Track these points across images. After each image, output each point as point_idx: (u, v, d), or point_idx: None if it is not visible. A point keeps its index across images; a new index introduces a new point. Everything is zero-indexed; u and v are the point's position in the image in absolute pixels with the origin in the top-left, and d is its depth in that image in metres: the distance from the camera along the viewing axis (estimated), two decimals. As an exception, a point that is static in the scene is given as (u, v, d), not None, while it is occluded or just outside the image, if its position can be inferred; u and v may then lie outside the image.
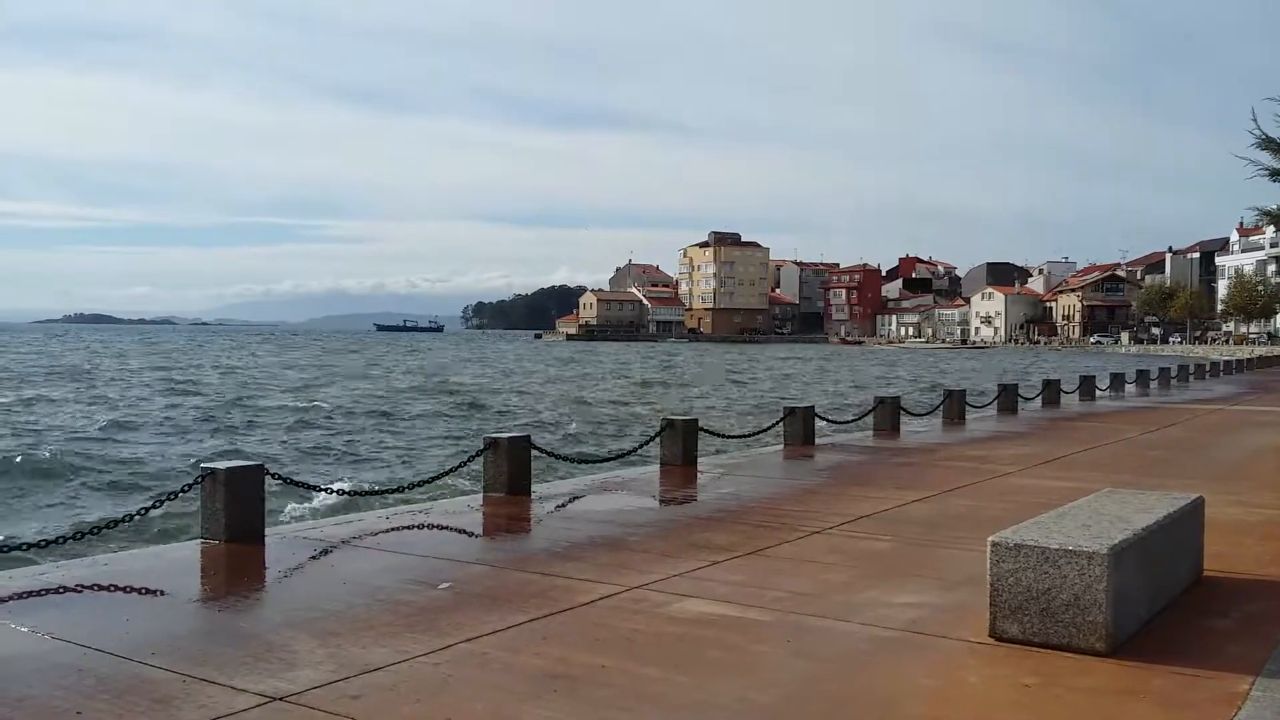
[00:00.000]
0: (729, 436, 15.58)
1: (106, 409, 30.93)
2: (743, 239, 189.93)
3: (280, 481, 8.06)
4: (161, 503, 7.61)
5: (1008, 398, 20.42)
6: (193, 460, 18.82)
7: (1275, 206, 12.99)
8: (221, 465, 7.36)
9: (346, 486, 14.08)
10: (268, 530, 7.45)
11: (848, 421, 17.32)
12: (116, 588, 6.04)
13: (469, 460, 9.51)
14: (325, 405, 33.08)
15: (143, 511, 7.33)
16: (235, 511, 7.11)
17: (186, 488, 7.34)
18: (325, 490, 8.89)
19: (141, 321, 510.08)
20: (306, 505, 12.94)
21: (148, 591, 5.96)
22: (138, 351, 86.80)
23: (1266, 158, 9.89)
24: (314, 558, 6.87)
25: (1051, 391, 22.77)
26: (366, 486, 13.69)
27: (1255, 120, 9.24)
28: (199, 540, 7.26)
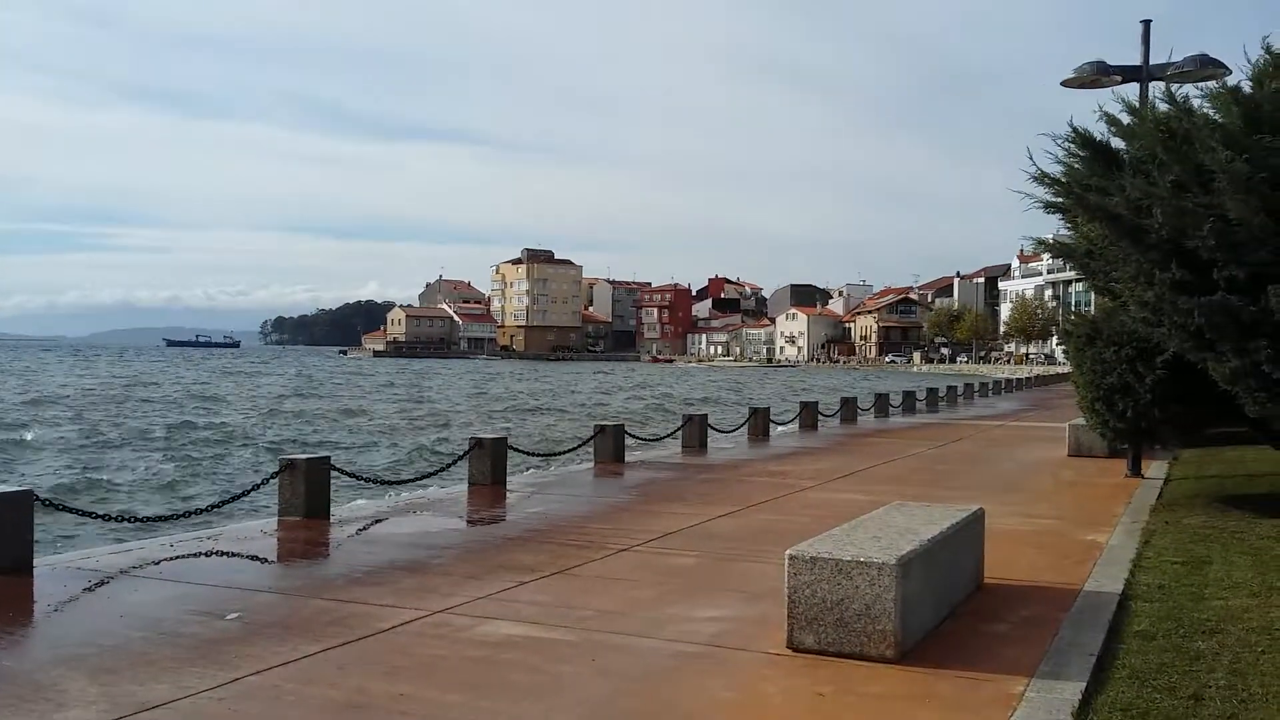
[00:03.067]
0: (539, 454, 15.52)
1: None
2: (556, 256, 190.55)
3: (53, 508, 7.50)
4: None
5: (809, 415, 21.16)
6: None
7: (1050, 236, 13.99)
8: (-16, 492, 6.77)
9: (129, 512, 13.22)
10: (37, 561, 6.92)
11: (657, 438, 17.54)
12: None
13: (264, 483, 9.10)
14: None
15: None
16: (2, 541, 6.56)
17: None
18: (104, 517, 8.28)
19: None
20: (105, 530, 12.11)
21: (-107, 632, 5.42)
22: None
23: (1041, 191, 10.63)
24: (89, 589, 6.41)
25: (849, 409, 23.72)
26: (151, 512, 12.91)
27: (1030, 157, 9.96)
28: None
